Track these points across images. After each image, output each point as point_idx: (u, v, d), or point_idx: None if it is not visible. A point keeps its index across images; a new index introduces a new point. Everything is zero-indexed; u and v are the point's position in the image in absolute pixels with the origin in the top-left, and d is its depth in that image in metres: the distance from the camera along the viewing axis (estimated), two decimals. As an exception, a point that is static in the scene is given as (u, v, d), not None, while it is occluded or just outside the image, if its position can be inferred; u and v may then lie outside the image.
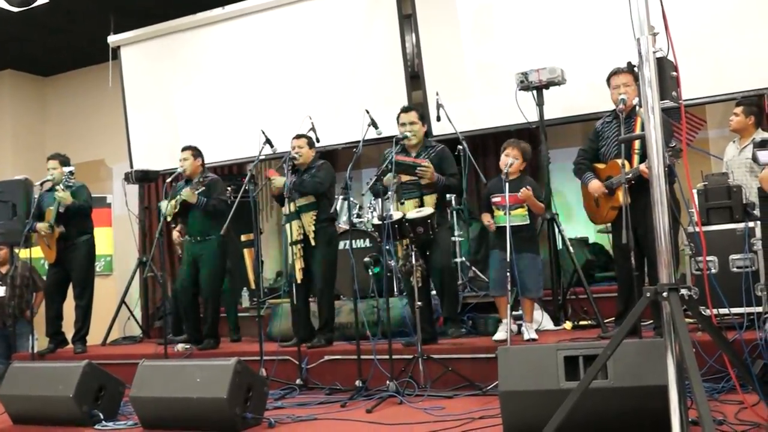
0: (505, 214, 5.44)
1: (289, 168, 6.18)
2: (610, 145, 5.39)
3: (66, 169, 7.30)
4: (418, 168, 5.60)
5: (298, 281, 6.25)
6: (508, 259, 5.21)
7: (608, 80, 5.42)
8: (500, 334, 5.59)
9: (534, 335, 5.58)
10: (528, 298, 5.67)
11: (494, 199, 5.63)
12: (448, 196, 6.57)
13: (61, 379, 5.05)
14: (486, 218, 5.74)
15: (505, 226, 5.39)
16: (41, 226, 7.24)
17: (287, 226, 6.32)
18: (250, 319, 7.63)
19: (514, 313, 5.56)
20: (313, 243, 6.27)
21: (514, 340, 5.33)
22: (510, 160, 5.59)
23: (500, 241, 5.44)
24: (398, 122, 5.96)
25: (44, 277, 7.98)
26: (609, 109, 5.56)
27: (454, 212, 7.28)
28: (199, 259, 6.93)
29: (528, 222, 5.64)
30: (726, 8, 6.60)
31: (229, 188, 7.18)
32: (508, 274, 5.22)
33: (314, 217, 6.30)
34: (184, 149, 7.13)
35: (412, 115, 5.91)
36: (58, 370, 5.22)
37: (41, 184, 7.44)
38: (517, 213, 5.57)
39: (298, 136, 6.52)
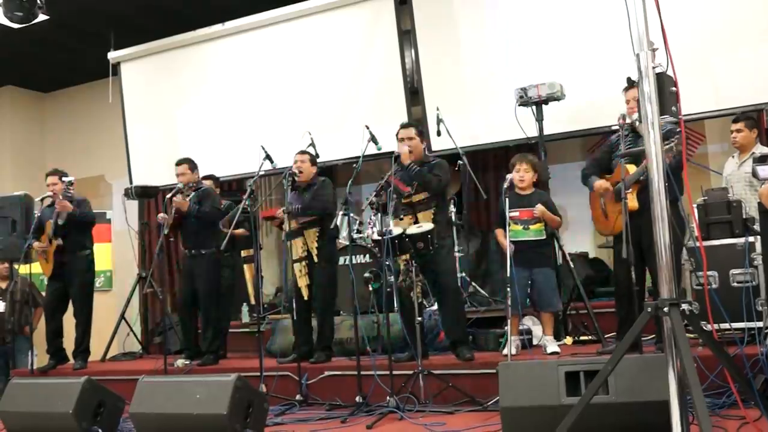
0: (523, 228, 5.61)
1: (289, 184, 6.18)
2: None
3: (66, 179, 7.17)
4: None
5: (305, 298, 6.24)
6: (508, 273, 5.23)
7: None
8: (513, 349, 5.61)
9: (557, 348, 5.68)
10: (547, 312, 5.80)
11: (511, 214, 5.63)
12: (450, 210, 6.57)
13: (61, 396, 5.01)
14: (500, 235, 5.74)
15: (522, 241, 5.60)
16: (38, 244, 7.23)
17: (289, 243, 6.31)
18: (250, 334, 7.60)
19: (520, 327, 5.73)
20: (315, 260, 6.28)
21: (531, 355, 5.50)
22: (509, 175, 5.66)
23: (518, 256, 5.48)
24: (397, 138, 5.94)
25: (44, 293, 7.96)
26: (608, 124, 5.56)
27: (454, 227, 7.27)
28: (194, 274, 6.90)
29: (545, 237, 5.74)
30: (724, 25, 6.65)
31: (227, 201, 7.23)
32: (508, 289, 5.25)
33: (317, 234, 6.29)
34: (179, 163, 7.03)
35: (411, 131, 5.91)
36: (58, 386, 5.18)
37: (41, 200, 7.43)
38: (535, 227, 5.71)
39: (302, 152, 6.52)
